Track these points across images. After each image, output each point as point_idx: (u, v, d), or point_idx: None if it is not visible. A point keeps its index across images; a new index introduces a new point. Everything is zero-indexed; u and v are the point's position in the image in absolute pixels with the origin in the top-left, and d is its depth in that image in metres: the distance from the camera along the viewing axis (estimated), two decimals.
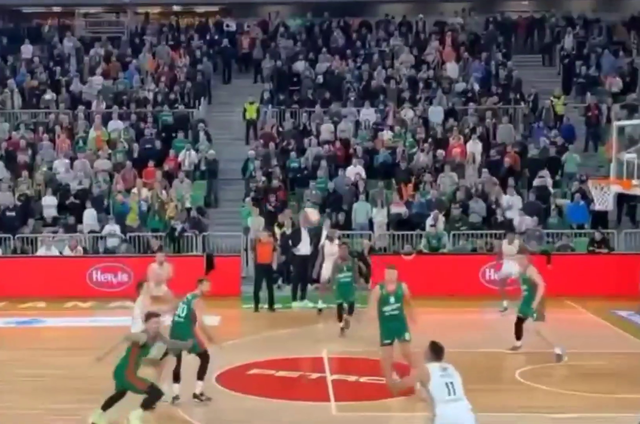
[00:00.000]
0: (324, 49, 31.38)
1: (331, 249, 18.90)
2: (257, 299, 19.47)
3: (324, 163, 25.37)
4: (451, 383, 8.99)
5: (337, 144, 26.45)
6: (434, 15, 34.09)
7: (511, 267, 18.75)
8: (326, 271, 18.57)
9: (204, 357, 12.45)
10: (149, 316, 11.24)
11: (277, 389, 13.23)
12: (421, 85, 29.34)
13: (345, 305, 17.03)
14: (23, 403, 12.51)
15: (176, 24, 34.36)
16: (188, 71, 30.43)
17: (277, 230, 21.47)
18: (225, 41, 32.10)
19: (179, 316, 12.50)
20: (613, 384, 13.31)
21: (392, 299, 12.52)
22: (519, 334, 15.35)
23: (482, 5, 34.24)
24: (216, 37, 32.69)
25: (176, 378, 12.44)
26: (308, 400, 12.66)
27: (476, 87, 29.19)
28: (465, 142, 26.20)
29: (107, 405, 11.08)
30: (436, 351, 9.37)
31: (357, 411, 12.10)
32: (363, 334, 16.67)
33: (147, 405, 10.99)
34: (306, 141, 26.57)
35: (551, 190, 24.35)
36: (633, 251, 22.27)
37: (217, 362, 14.38)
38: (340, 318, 16.89)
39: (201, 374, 12.45)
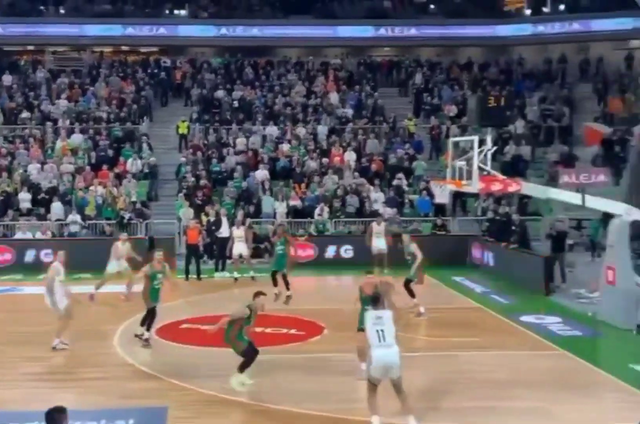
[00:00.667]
0: (238, 81, 31.16)
1: (237, 232, 18.92)
2: (187, 271, 19.33)
3: (239, 168, 25.24)
4: (382, 330, 8.35)
5: (249, 153, 26.34)
6: (320, 57, 34.16)
7: (380, 243, 18.99)
8: (235, 249, 18.58)
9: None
10: (257, 294, 10.64)
11: (203, 339, 13.20)
12: (310, 109, 29.39)
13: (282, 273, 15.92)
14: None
15: (124, 60, 33.63)
16: (134, 96, 29.87)
17: (204, 218, 21.34)
18: (163, 74, 31.59)
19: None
20: (450, 331, 13.68)
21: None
22: (412, 294, 14.76)
23: (355, 51, 34.44)
24: (155, 70, 32.12)
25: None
26: (225, 346, 12.67)
27: (351, 111, 29.38)
28: (344, 152, 26.39)
29: (242, 368, 10.45)
30: (373, 300, 8.85)
31: (262, 354, 12.16)
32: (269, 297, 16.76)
33: (244, 367, 10.44)
34: (225, 150, 26.39)
35: (405, 188, 24.71)
36: (464, 233, 22.81)
37: (156, 319, 14.31)
38: (274, 283, 15.76)
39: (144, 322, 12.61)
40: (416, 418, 8.63)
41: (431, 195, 21.65)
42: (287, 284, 15.72)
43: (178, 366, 11.50)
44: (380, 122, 29.01)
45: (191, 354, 12.22)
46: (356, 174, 25.03)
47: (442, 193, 16.09)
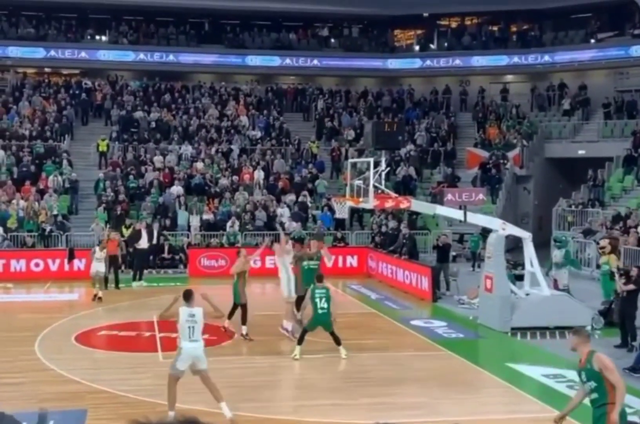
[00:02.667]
0: (155, 104, 30.69)
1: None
2: (106, 280, 18.80)
3: (155, 184, 24.81)
4: (193, 327, 8.59)
5: (165, 170, 25.93)
6: (231, 83, 34.07)
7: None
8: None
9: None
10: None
11: (119, 344, 12.92)
12: (223, 131, 29.24)
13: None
14: None
15: (47, 81, 32.57)
16: (56, 115, 28.95)
17: (124, 230, 20.83)
18: (84, 95, 30.77)
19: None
20: (348, 334, 13.87)
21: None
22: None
23: (263, 78, 34.54)
24: (77, 91, 31.23)
25: None
26: (142, 351, 12.45)
27: (260, 134, 29.40)
28: (253, 171, 26.35)
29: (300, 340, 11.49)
30: (185, 296, 8.92)
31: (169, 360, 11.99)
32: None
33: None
34: (143, 168, 25.90)
35: (309, 204, 24.87)
36: (361, 245, 23.14)
37: (75, 326, 13.94)
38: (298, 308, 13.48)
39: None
40: (227, 405, 8.77)
41: (332, 211, 21.89)
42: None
43: (96, 370, 11.19)
44: (287, 143, 29.16)
45: (109, 358, 11.92)
46: (264, 191, 25.01)
47: (341, 209, 16.25)
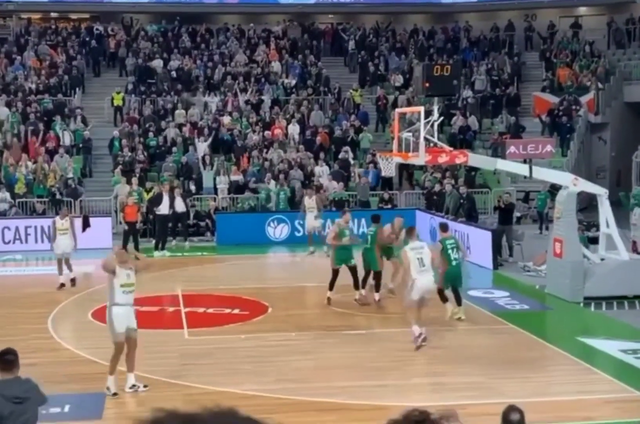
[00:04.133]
0: (175, 50, 30.61)
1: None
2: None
3: (177, 141, 24.90)
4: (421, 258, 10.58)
5: (188, 126, 25.96)
6: (261, 24, 33.75)
7: (311, 220, 18.83)
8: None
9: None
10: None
11: (141, 320, 13.07)
12: (252, 80, 29.06)
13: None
14: None
15: (54, 27, 32.68)
16: (65, 67, 29.10)
17: (145, 195, 21.04)
18: (95, 42, 30.81)
19: None
20: (397, 306, 13.82)
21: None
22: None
23: (298, 18, 34.11)
24: (87, 38, 31.29)
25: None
26: (166, 328, 12.62)
27: (294, 82, 29.16)
28: (287, 125, 26.22)
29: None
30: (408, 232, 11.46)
31: (204, 335, 12.16)
32: (206, 274, 16.75)
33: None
34: (163, 123, 25.96)
35: (351, 161, 24.70)
36: (411, 207, 22.95)
37: (92, 301, 14.18)
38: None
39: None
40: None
41: (378, 168, 21.64)
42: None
43: None
44: (325, 92, 28.88)
45: None
46: (301, 147, 24.84)
47: (388, 166, 16.07)
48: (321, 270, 17.60)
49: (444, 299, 12.36)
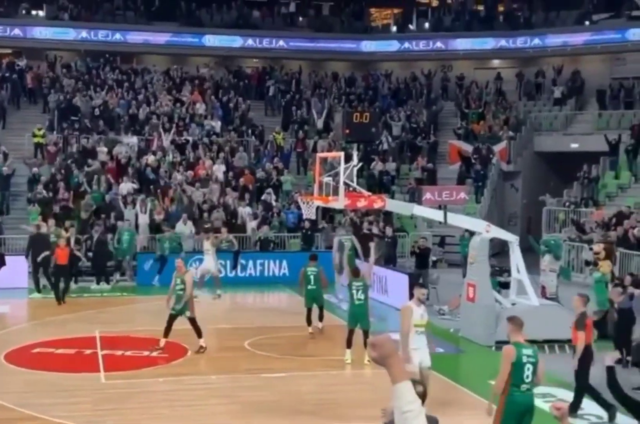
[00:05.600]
0: (99, 88, 30.30)
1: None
2: (57, 293, 17.81)
3: (101, 179, 24.43)
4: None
5: (111, 163, 25.56)
6: (187, 65, 33.83)
7: (206, 262, 18.58)
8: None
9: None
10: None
11: (55, 363, 12.72)
12: (176, 119, 28.95)
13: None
14: None
15: None
16: None
17: (63, 233, 20.47)
18: (17, 77, 30.28)
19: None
20: (313, 348, 13.86)
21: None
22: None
23: (224, 61, 34.34)
24: (7, 74, 30.71)
25: None
26: (82, 372, 12.28)
27: (219, 123, 29.19)
28: (212, 165, 26.12)
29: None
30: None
31: (122, 379, 11.88)
32: (126, 315, 16.42)
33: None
34: (85, 161, 25.47)
35: (274, 203, 24.73)
36: (329, 248, 22.96)
37: (5, 343, 13.71)
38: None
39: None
40: None
41: (300, 209, 21.74)
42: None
43: (29, 394, 11.00)
44: (249, 134, 29.01)
45: (42, 380, 11.72)
46: (228, 189, 24.70)
47: (309, 209, 16.20)
48: (237, 312, 17.55)
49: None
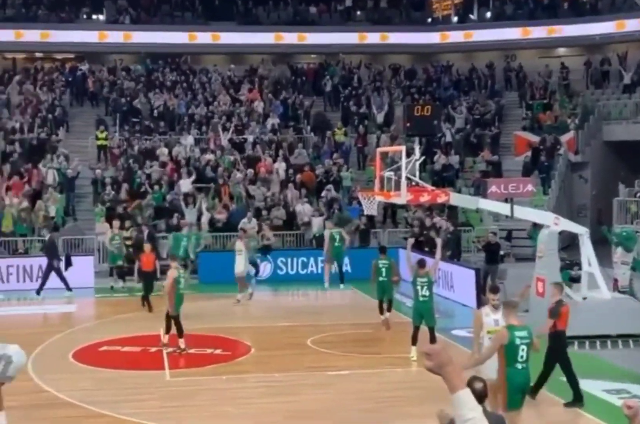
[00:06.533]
0: (158, 89, 30.78)
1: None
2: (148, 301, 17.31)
3: (161, 179, 24.87)
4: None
5: (172, 164, 25.98)
6: (245, 63, 34.12)
7: (238, 263, 18.08)
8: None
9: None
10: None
11: (122, 361, 12.96)
12: (236, 118, 29.23)
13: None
14: None
15: (39, 67, 32.83)
16: (49, 105, 29.21)
17: (125, 233, 20.86)
18: (79, 81, 31.02)
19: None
20: (377, 346, 13.81)
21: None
22: None
23: (282, 58, 34.48)
24: (70, 79, 31.49)
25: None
26: (147, 369, 12.48)
27: (278, 120, 29.35)
28: (273, 162, 26.31)
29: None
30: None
31: (186, 376, 12.04)
32: (189, 313, 16.63)
33: None
34: (147, 162, 25.95)
35: (334, 199, 24.70)
36: (394, 245, 22.90)
37: (73, 342, 14.04)
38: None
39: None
40: None
41: (361, 205, 21.73)
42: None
43: (96, 391, 11.24)
44: (308, 131, 29.06)
45: (109, 377, 11.96)
46: (289, 185, 24.81)
47: (370, 205, 16.16)
48: (299, 309, 17.62)
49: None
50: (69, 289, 18.74)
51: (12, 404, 10.47)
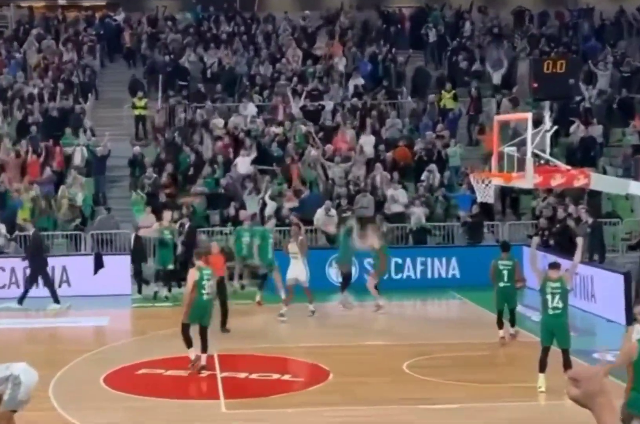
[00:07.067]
0: (212, 44, 31.14)
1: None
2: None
3: (215, 158, 25.23)
4: None
5: (228, 138, 26.29)
6: (321, 10, 34.22)
7: (294, 268, 18.10)
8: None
9: None
10: None
11: (165, 388, 13.19)
12: (310, 79, 29.37)
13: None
14: None
15: (62, 18, 33.64)
16: (74, 66, 29.88)
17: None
18: (113, 35, 31.65)
19: None
20: (494, 374, 13.71)
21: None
22: None
23: (367, 1, 34.47)
24: (102, 32, 32.15)
25: None
26: (198, 398, 12.69)
27: (364, 81, 29.34)
28: (356, 136, 26.33)
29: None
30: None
31: (246, 408, 12.18)
32: (249, 328, 16.80)
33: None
34: (197, 136, 26.36)
35: (437, 183, 24.66)
36: (516, 243, 22.59)
37: (104, 362, 14.36)
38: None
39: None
40: None
41: (472, 190, 21.62)
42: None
43: None
44: (404, 95, 29.01)
45: (150, 408, 12.20)
46: (377, 165, 24.91)
47: (485, 190, 16.08)
48: (393, 324, 17.62)
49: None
50: (56, 301, 19.22)
51: None
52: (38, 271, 19.36)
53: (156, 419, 11.73)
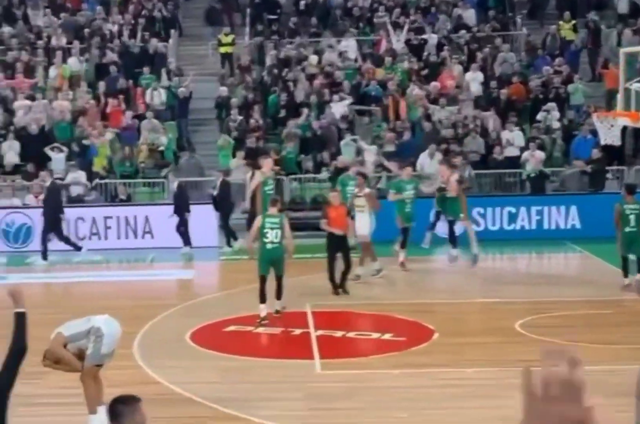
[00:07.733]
0: None
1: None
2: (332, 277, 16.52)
3: (308, 99, 25.19)
4: None
5: (322, 77, 26.22)
6: None
7: (360, 225, 17.39)
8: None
9: None
10: None
11: (255, 346, 13.30)
12: (412, 10, 29.01)
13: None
14: None
15: None
16: (156, 2, 30.02)
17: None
18: None
19: None
20: (617, 334, 13.47)
21: None
22: None
23: None
24: None
25: None
26: (290, 358, 12.75)
27: (473, 11, 28.91)
28: (463, 73, 26.07)
29: None
30: None
31: (344, 368, 12.22)
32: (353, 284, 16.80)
33: None
34: (288, 75, 26.31)
35: (555, 124, 24.28)
36: None
37: (190, 318, 14.56)
38: None
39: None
40: None
41: (595, 133, 21.24)
42: None
43: (221, 385, 11.62)
44: (517, 26, 28.46)
45: (239, 368, 12.32)
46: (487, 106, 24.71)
47: (610, 131, 15.81)
48: (506, 280, 17.44)
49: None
50: (77, 248, 19.63)
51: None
52: (51, 224, 19.61)
53: (246, 380, 11.82)
